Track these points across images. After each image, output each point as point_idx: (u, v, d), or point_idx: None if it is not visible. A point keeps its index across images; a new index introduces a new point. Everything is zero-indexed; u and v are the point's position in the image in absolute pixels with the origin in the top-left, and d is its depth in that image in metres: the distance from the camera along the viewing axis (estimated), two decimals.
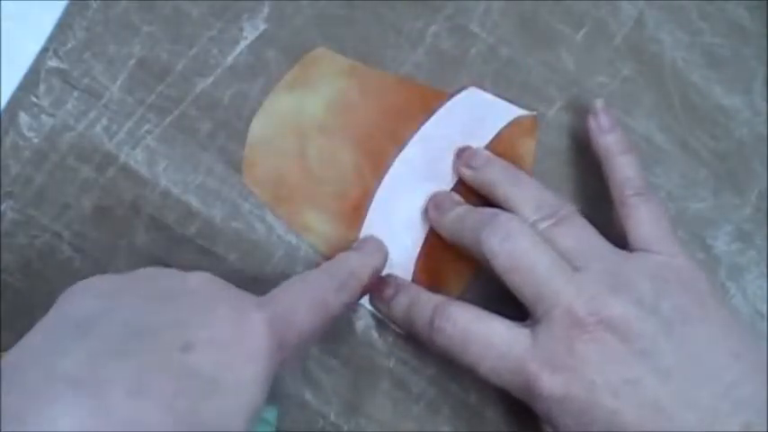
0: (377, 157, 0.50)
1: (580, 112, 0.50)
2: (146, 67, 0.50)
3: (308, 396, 0.49)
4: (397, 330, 0.49)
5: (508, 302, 0.50)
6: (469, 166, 0.48)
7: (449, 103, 0.51)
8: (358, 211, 0.50)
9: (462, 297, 0.50)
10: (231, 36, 0.51)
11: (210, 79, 0.50)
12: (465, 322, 0.44)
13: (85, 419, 0.31)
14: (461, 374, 0.49)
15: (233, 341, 0.36)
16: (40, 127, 0.50)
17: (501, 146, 0.50)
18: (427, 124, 0.50)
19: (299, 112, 0.50)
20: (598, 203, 0.50)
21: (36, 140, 0.50)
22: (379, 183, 0.50)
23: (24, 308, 0.49)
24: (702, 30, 0.51)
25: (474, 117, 0.50)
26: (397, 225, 0.50)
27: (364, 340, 0.50)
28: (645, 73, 0.51)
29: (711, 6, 0.51)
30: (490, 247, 0.43)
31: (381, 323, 0.50)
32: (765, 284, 0.51)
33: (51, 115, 0.50)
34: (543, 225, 0.45)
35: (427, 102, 0.51)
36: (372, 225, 0.50)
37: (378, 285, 0.48)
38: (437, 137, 0.50)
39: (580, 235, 0.45)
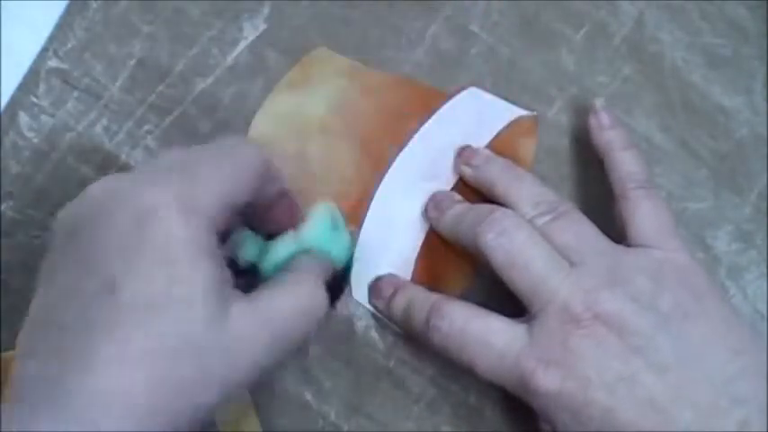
0: (377, 157, 0.50)
1: (580, 112, 0.50)
2: (146, 67, 0.50)
3: (308, 396, 0.49)
4: (396, 330, 0.49)
5: (509, 302, 0.50)
6: (469, 165, 0.48)
7: (449, 103, 0.51)
8: (358, 210, 0.50)
9: (462, 297, 0.50)
10: (231, 36, 0.51)
11: (210, 79, 0.51)
12: (461, 320, 0.44)
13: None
14: (461, 374, 0.49)
15: (148, 246, 0.33)
16: (40, 127, 0.50)
17: (501, 146, 0.50)
18: (427, 124, 0.50)
19: (299, 112, 0.50)
20: (598, 204, 0.50)
21: (36, 140, 0.50)
22: (380, 182, 0.50)
23: (24, 308, 0.49)
24: (702, 30, 0.51)
25: (474, 117, 0.50)
26: (396, 225, 0.49)
27: (364, 340, 0.50)
28: (645, 73, 0.51)
29: (712, 6, 0.51)
30: (486, 243, 0.43)
31: (381, 323, 0.50)
32: (765, 284, 0.50)
33: (51, 115, 0.50)
34: (541, 221, 0.44)
35: (427, 102, 0.51)
36: (372, 224, 0.49)
37: (377, 284, 0.48)
38: (437, 136, 0.50)
39: (578, 230, 0.44)
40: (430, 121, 0.50)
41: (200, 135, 0.50)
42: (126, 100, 0.50)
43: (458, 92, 0.51)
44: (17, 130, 0.50)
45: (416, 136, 0.50)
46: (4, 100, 0.50)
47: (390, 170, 0.50)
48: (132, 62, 0.50)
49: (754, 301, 0.50)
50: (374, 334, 0.50)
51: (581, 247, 0.43)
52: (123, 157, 0.50)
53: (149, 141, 0.50)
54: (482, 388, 0.49)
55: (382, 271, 0.49)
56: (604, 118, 0.47)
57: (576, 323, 0.41)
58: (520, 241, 0.43)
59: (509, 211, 0.44)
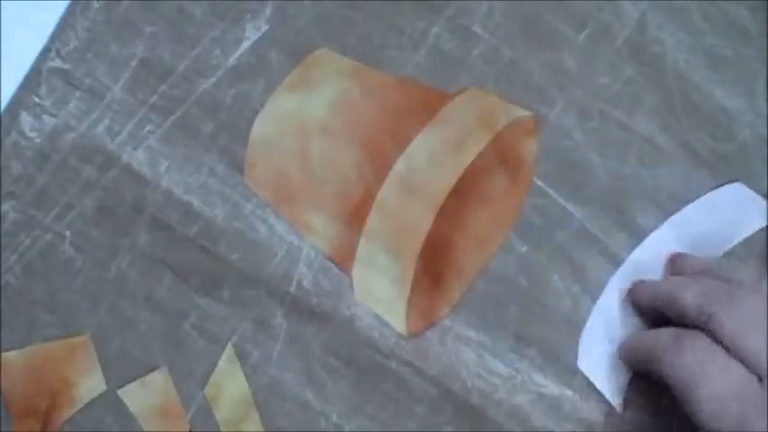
0: (379, 158, 0.50)
1: (582, 113, 0.50)
2: (148, 68, 0.50)
3: (310, 396, 0.49)
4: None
5: (508, 306, 0.50)
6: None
7: (712, 194, 0.50)
8: (360, 211, 0.50)
9: (463, 298, 0.50)
10: (234, 36, 0.51)
11: (213, 80, 0.50)
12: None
13: None
14: (463, 375, 0.49)
15: None
16: (42, 127, 0.50)
17: (502, 146, 0.50)
18: (685, 211, 0.50)
19: (301, 112, 0.50)
20: (599, 206, 0.50)
21: (38, 140, 0.50)
22: (381, 184, 0.50)
23: (25, 308, 0.49)
24: (704, 31, 0.51)
25: (734, 213, 0.50)
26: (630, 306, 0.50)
27: (365, 341, 0.50)
28: (647, 74, 0.51)
29: (713, 7, 0.51)
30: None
31: (383, 323, 0.50)
32: (765, 286, 0.50)
33: (53, 115, 0.50)
34: None
35: (429, 103, 0.51)
36: (611, 294, 0.50)
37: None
38: (692, 224, 0.49)
39: None
40: (688, 208, 0.50)
41: (202, 136, 0.50)
42: (128, 100, 0.50)
43: (719, 185, 0.50)
44: (19, 130, 0.50)
45: (668, 222, 0.50)
46: (6, 100, 0.50)
47: (640, 247, 0.49)
48: (134, 62, 0.50)
49: None
50: (375, 334, 0.50)
51: None
52: (125, 157, 0.50)
53: (151, 142, 0.50)
54: (484, 389, 0.49)
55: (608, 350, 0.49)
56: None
57: None
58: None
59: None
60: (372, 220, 0.50)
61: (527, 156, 0.50)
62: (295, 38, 0.51)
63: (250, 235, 0.50)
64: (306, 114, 0.50)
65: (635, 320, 0.50)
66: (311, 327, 0.50)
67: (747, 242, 0.50)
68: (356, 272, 0.50)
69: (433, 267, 0.50)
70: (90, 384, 0.50)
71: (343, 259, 0.50)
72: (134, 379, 0.49)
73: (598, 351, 0.49)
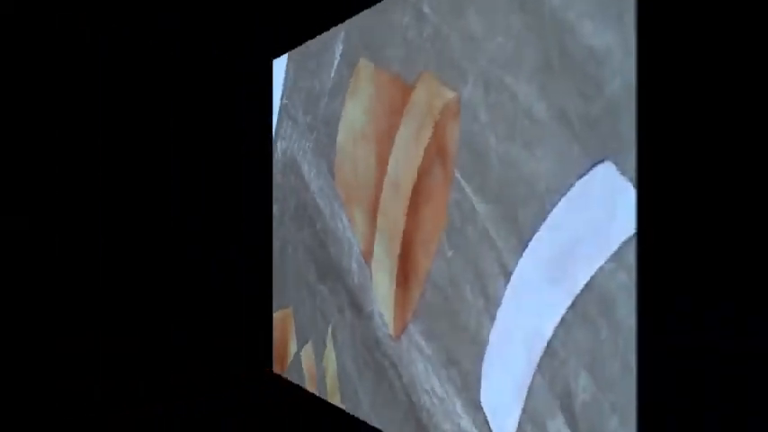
0: (381, 157, 0.51)
1: (486, 86, 0.41)
2: (309, 93, 0.62)
3: (357, 386, 0.54)
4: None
5: (442, 317, 0.46)
6: None
7: (580, 185, 0.37)
8: (374, 210, 0.52)
9: (419, 304, 0.47)
10: (331, 58, 0.58)
11: (325, 99, 0.59)
12: None
13: None
14: (418, 389, 0.47)
15: None
16: (281, 148, 0.68)
17: (438, 136, 0.45)
18: (559, 208, 0.38)
19: (353, 119, 0.55)
20: (495, 202, 0.40)
21: (281, 158, 0.68)
22: (381, 182, 0.51)
23: (288, 271, 0.68)
24: None
25: (604, 208, 0.36)
26: (517, 335, 0.41)
27: (375, 338, 0.51)
28: (529, 24, 0.37)
29: None
30: None
31: (384, 322, 0.50)
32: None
33: (283, 139, 0.67)
34: None
35: (405, 99, 0.48)
36: (499, 330, 0.42)
37: None
38: (565, 226, 0.38)
39: None
40: (558, 206, 0.38)
41: (322, 146, 0.60)
42: (303, 123, 0.63)
43: (591, 167, 0.36)
44: (276, 152, 0.69)
45: (546, 221, 0.39)
46: (275, 131, 0.69)
47: (524, 256, 0.40)
48: (303, 95, 0.63)
49: None
50: (380, 333, 0.51)
51: None
52: (299, 167, 0.63)
53: (308, 154, 0.62)
54: (430, 408, 0.46)
55: (505, 383, 0.42)
56: None
57: None
58: None
59: None
60: (379, 219, 0.51)
61: (451, 144, 0.44)
62: (353, 52, 0.55)
63: (335, 232, 0.57)
64: (354, 121, 0.55)
65: (531, 351, 0.39)
66: (357, 320, 0.54)
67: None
68: (373, 269, 0.52)
69: (403, 269, 0.49)
70: (292, 346, 0.65)
71: (368, 256, 0.53)
72: (302, 347, 0.63)
73: (496, 386, 0.41)
